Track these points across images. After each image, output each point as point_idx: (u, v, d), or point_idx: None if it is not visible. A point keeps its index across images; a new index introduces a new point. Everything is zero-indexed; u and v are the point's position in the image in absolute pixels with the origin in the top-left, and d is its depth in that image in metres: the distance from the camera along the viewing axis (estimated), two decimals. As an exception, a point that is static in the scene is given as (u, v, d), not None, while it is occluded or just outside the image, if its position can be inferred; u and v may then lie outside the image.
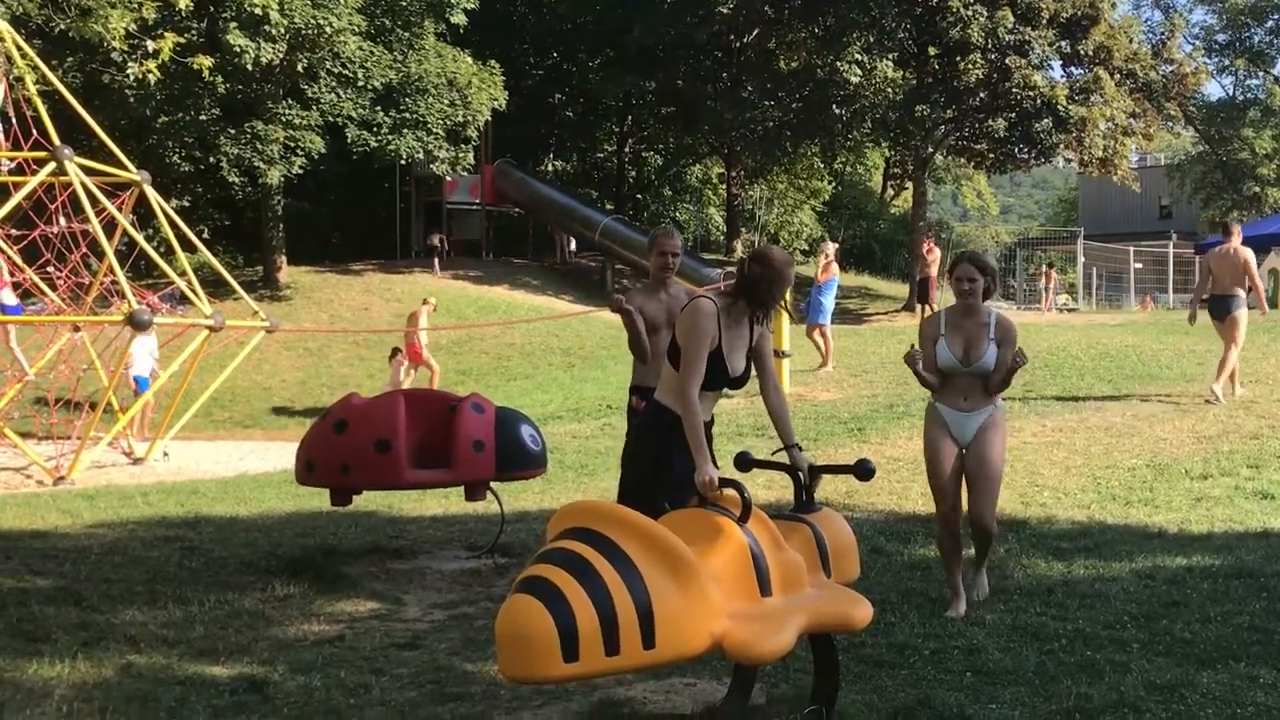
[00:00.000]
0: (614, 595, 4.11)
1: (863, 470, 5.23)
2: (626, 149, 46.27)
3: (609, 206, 41.96)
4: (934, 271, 26.71)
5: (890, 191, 54.51)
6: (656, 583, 4.19)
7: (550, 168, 46.46)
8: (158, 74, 13.74)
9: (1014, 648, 5.87)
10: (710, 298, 5.51)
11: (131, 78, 20.28)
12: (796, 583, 4.68)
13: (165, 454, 16.98)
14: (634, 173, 47.52)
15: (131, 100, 27.93)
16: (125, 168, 17.70)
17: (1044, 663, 5.61)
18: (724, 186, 44.91)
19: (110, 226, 16.96)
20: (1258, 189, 47.33)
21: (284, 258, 32.56)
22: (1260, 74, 51.13)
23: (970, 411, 6.55)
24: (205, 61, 14.58)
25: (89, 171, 16.67)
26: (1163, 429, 11.86)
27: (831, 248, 18.53)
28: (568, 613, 4.04)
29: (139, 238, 17.18)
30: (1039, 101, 31.07)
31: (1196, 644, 5.87)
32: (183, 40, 15.20)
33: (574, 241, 38.83)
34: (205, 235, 32.52)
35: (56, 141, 15.98)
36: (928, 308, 26.36)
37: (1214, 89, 78.95)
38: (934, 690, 5.25)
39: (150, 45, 13.39)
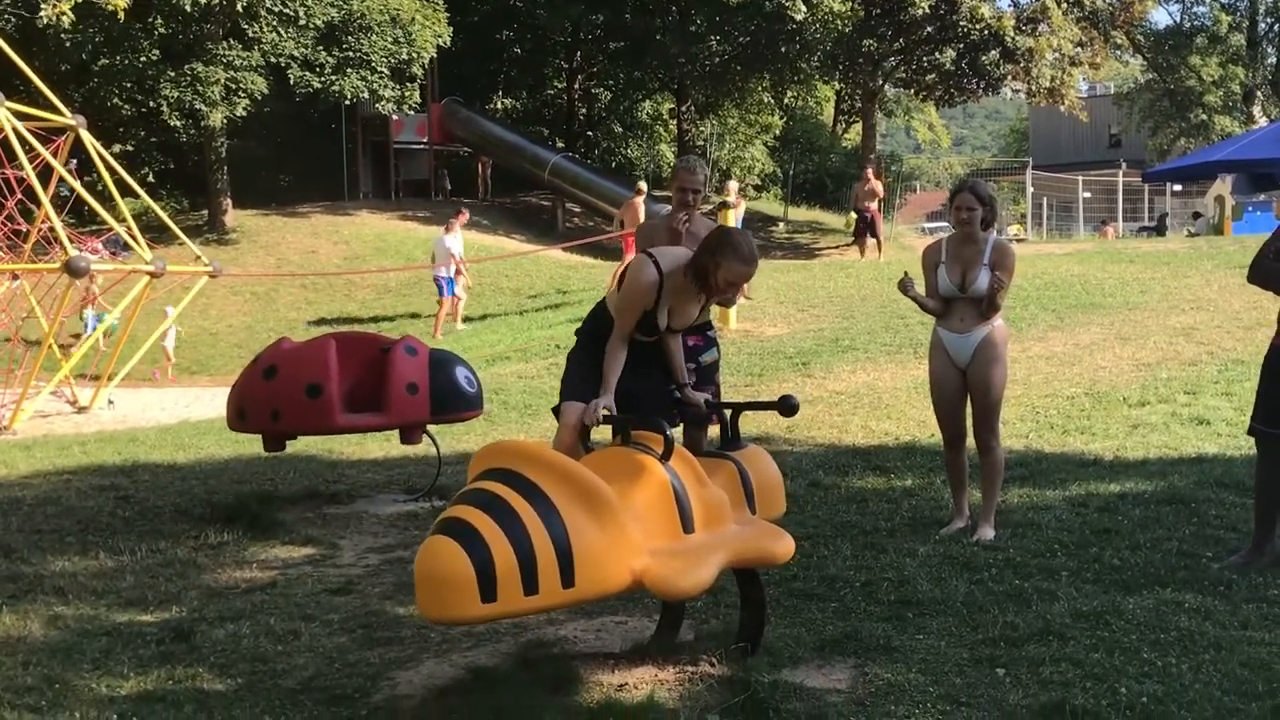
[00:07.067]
0: (532, 535, 4.08)
1: (786, 406, 5.20)
2: (576, 86, 45.77)
3: (559, 144, 41.56)
4: (875, 205, 25.06)
5: (841, 125, 54.30)
6: (575, 521, 4.16)
7: (499, 106, 45.91)
8: (71, 15, 13.38)
9: (944, 578, 5.89)
10: (658, 267, 5.22)
11: (45, 20, 19.73)
12: (719, 519, 4.66)
13: (110, 402, 16.84)
14: (584, 110, 47.02)
15: (67, 45, 27.32)
16: (60, 112, 17.39)
17: (973, 592, 5.64)
18: (674, 122, 44.58)
19: (46, 172, 16.68)
20: (1205, 116, 47.46)
21: (229, 201, 32.05)
22: (1206, 1, 51.14)
23: (966, 333, 6.70)
24: (120, 3, 14.20)
25: (21, 116, 16.35)
26: (1103, 357, 11.94)
27: (733, 185, 19.32)
28: (485, 553, 4.00)
29: (75, 183, 16.90)
30: (986, 32, 30.99)
31: (1125, 571, 5.91)
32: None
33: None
34: (150, 179, 32.02)
35: (-14, 86, 15.67)
36: (874, 242, 24.90)
37: (1161, 17, 79.03)
38: (862, 622, 5.27)
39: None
